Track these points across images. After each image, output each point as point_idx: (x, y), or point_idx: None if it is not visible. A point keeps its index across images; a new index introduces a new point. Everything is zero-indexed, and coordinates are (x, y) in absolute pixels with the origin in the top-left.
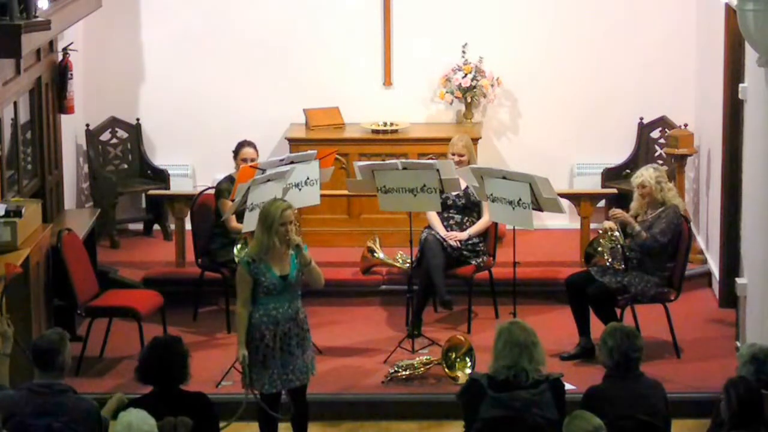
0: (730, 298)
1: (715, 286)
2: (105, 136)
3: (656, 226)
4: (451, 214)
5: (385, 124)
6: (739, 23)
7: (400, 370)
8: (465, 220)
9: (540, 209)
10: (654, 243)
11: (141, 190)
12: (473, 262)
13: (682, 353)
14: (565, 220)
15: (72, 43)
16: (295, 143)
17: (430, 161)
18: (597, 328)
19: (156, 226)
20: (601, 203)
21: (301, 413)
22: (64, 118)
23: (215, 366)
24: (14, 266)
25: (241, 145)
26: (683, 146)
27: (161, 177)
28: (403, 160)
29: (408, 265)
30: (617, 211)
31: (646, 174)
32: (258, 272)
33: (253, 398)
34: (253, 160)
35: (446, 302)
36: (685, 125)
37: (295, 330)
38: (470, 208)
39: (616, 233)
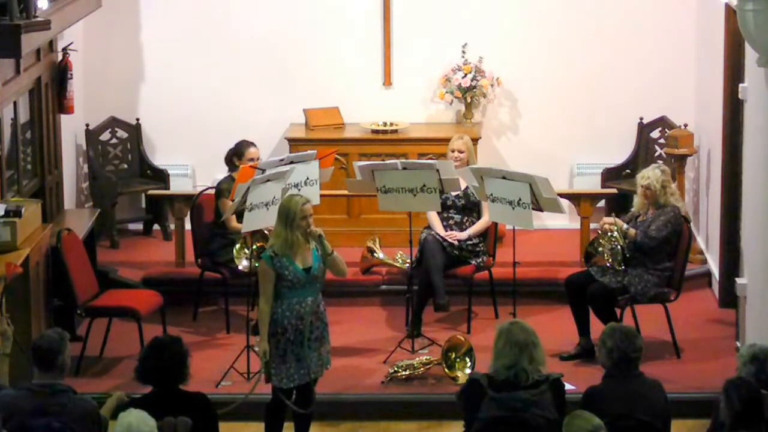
0: (730, 298)
1: (715, 286)
2: (105, 136)
3: (653, 224)
4: (450, 215)
5: (384, 124)
6: (739, 23)
7: (400, 370)
8: (465, 220)
9: (540, 209)
10: (645, 238)
11: (141, 190)
12: (473, 262)
13: (681, 353)
14: (565, 220)
15: (72, 43)
16: (294, 143)
17: (429, 161)
18: (597, 328)
19: (156, 226)
20: (601, 203)
21: (307, 405)
22: (64, 118)
23: (215, 366)
24: (15, 266)
25: (246, 145)
26: (683, 146)
27: (161, 177)
28: (403, 160)
29: (408, 265)
30: (606, 221)
31: (652, 176)
32: (281, 266)
33: (246, 397)
34: (259, 159)
35: (442, 305)
36: (685, 125)
37: (316, 323)
38: (470, 209)
39: (615, 234)
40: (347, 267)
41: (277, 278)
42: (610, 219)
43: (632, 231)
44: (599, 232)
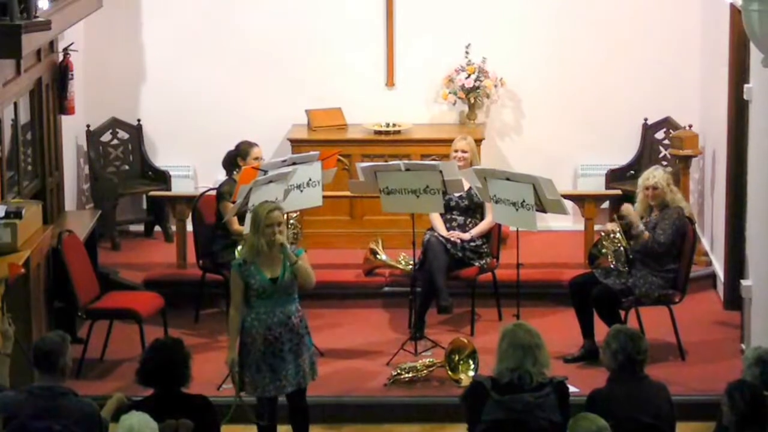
0: (735, 300)
1: (720, 288)
2: (106, 137)
3: (659, 227)
4: (453, 216)
5: (387, 125)
6: (744, 23)
7: (403, 372)
8: (468, 222)
9: (544, 210)
10: (654, 244)
11: (142, 191)
12: (476, 264)
13: (686, 355)
14: (569, 221)
15: (72, 43)
16: (297, 144)
17: (433, 162)
18: (601, 330)
19: (157, 228)
20: (605, 204)
21: (301, 417)
22: (65, 119)
23: (216, 368)
24: (18, 266)
25: (249, 145)
26: (688, 147)
27: (162, 178)
28: (406, 161)
29: (411, 266)
30: (627, 208)
31: (658, 175)
32: (248, 274)
33: (239, 401)
34: (263, 158)
35: (445, 307)
36: (690, 126)
37: (287, 335)
38: (473, 210)
39: (618, 235)
40: (352, 270)
41: (246, 287)
42: (626, 210)
43: (646, 234)
44: (602, 234)
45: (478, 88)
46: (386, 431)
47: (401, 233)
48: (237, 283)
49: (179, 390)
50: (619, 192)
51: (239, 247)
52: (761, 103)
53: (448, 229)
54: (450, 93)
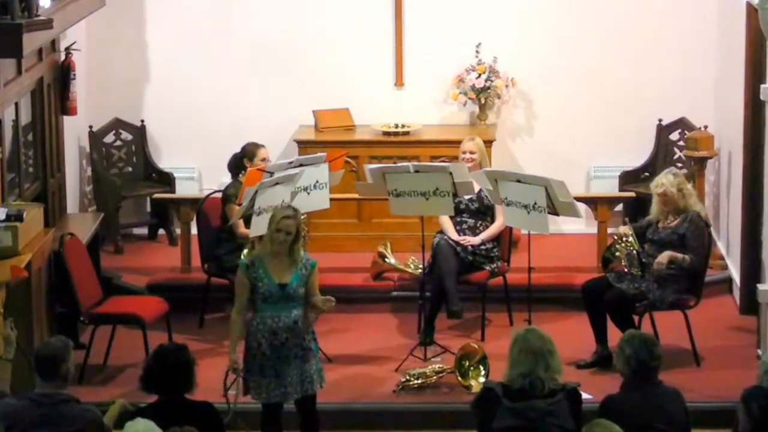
0: (751, 304)
1: (736, 292)
2: (109, 138)
3: (689, 244)
4: (464, 218)
5: (396, 126)
6: (761, 22)
7: (412, 378)
8: (478, 225)
9: (556, 213)
10: (699, 262)
11: (146, 193)
12: (487, 268)
13: (701, 361)
14: (582, 224)
15: (74, 42)
16: (303, 145)
17: (442, 164)
18: (614, 335)
19: (161, 231)
20: (619, 207)
21: (312, 425)
22: (67, 120)
23: (222, 374)
24: (20, 269)
25: (256, 146)
26: (703, 149)
27: (166, 180)
28: (415, 163)
29: (420, 270)
30: (664, 258)
31: (666, 182)
32: (256, 276)
33: (236, 407)
34: (269, 159)
35: (455, 312)
36: (705, 127)
37: (293, 341)
38: (483, 212)
39: (631, 239)
40: (360, 273)
41: (253, 289)
42: (626, 227)
43: (688, 258)
44: (615, 237)
45: (488, 88)
46: None
47: (410, 236)
48: (243, 283)
49: (184, 397)
50: (632, 194)
51: (245, 251)
52: None
53: (458, 232)
54: (460, 93)
